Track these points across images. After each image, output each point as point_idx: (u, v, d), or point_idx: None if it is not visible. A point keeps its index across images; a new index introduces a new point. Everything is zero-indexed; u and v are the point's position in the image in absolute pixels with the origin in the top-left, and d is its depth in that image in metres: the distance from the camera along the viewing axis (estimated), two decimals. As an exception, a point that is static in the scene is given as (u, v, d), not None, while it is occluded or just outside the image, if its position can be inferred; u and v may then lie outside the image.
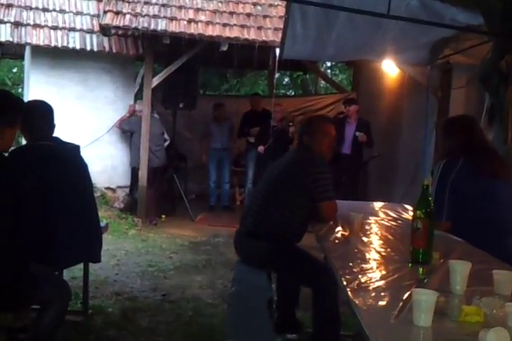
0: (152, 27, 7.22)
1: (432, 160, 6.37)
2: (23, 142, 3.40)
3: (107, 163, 8.03)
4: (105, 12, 7.29)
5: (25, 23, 7.50)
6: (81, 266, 3.85)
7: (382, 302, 1.93)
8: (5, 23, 7.43)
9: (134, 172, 7.92)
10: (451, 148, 3.21)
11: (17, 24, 7.47)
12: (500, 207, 3.07)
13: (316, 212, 3.30)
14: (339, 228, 3.18)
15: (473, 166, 3.08)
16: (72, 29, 7.66)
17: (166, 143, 8.18)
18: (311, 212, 3.32)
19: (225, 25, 7.61)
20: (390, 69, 7.81)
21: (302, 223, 3.37)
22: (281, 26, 6.26)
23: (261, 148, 8.13)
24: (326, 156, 3.44)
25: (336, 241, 2.93)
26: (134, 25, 7.20)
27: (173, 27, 7.32)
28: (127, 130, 7.89)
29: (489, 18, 4.06)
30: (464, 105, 6.31)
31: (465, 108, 6.22)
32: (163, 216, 7.93)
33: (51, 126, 3.27)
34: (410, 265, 2.43)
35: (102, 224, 3.93)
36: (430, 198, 2.45)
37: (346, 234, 3.07)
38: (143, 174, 7.69)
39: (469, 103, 6.16)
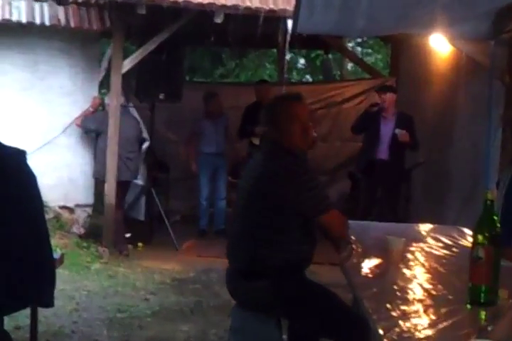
0: (122, -8, 7.26)
1: (498, 168, 6.35)
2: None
3: (62, 174, 8.04)
4: (60, -27, 7.35)
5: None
6: (27, 311, 3.84)
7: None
8: None
9: (99, 186, 7.92)
10: None
11: None
12: None
13: (320, 229, 3.32)
14: (373, 258, 3.17)
15: None
16: (16, -4, 7.73)
17: (145, 145, 8.20)
18: (311, 226, 3.32)
19: (219, -12, 7.65)
20: (440, 46, 7.82)
21: (303, 242, 3.35)
22: (295, -10, 6.28)
23: None
24: (301, 148, 3.40)
25: (369, 275, 2.93)
26: (98, -9, 7.26)
27: (151, -8, 7.36)
28: (92, 129, 7.92)
29: None
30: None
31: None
32: (139, 244, 7.94)
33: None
34: (469, 307, 2.43)
35: (56, 255, 3.93)
36: (496, 218, 2.45)
37: (383, 265, 3.06)
38: (110, 189, 7.71)
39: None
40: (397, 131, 7.52)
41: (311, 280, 3.42)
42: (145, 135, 8.21)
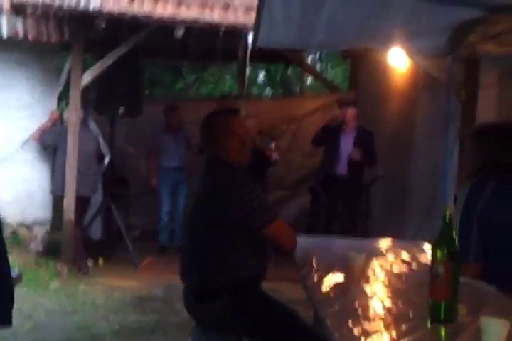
0: (82, 5, 7.21)
1: (456, 182, 6.42)
2: None
3: (19, 189, 7.95)
4: (18, -14, 7.28)
5: None
6: (-17, 331, 3.77)
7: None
8: None
9: (57, 202, 7.83)
10: (479, 167, 3.24)
11: None
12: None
13: (268, 243, 3.29)
14: (334, 274, 3.17)
15: (509, 191, 3.10)
16: (-28, 8, 7.64)
17: (106, 161, 8.14)
18: (259, 239, 3.29)
19: (179, 3, 7.64)
20: (398, 61, 7.90)
21: (252, 256, 3.32)
22: (255, 5, 6.30)
23: None
24: (241, 161, 3.40)
25: (330, 292, 2.92)
26: (57, 3, 7.19)
27: (111, 5, 7.32)
28: (49, 144, 7.83)
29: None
30: (496, 108, 6.40)
31: (497, 112, 6.30)
32: (99, 261, 7.86)
33: None
34: (429, 324, 2.43)
35: (13, 273, 3.87)
36: (454, 234, 2.46)
37: (344, 282, 3.05)
38: (69, 204, 7.62)
39: (503, 105, 6.24)
40: (352, 149, 7.58)
41: (269, 297, 3.41)
42: (104, 150, 8.15)
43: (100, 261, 7.88)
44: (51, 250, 7.90)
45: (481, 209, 3.08)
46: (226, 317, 3.24)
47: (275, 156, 8.05)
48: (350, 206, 7.88)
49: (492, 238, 3.07)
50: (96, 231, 8.24)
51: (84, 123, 7.87)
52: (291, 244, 3.30)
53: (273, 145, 8.01)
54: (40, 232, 8.10)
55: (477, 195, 3.13)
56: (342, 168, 7.71)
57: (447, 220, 2.47)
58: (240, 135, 3.37)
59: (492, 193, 3.11)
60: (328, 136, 7.87)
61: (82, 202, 7.72)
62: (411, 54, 7.00)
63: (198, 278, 3.33)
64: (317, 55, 16.10)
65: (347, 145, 7.73)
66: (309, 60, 15.07)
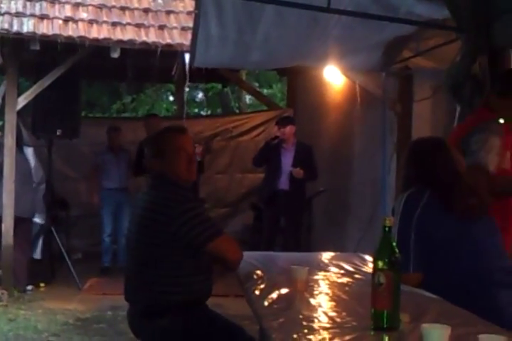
0: (15, 28, 7.14)
1: (394, 194, 6.52)
2: None
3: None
4: (-51, 9, 7.19)
5: None
6: None
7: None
8: None
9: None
10: (408, 180, 3.32)
11: None
12: (483, 254, 3.16)
13: (214, 259, 3.30)
14: (278, 288, 3.18)
15: (442, 202, 3.17)
16: None
17: (41, 187, 8.05)
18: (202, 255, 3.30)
19: (114, 24, 7.63)
20: (334, 78, 8.02)
21: (196, 273, 3.32)
22: (191, 25, 6.35)
23: None
24: (186, 179, 3.41)
25: (275, 305, 2.92)
26: (-11, 27, 7.11)
27: (44, 28, 7.27)
28: None
29: (456, 10, 4.26)
30: (430, 121, 6.55)
31: (431, 125, 6.44)
32: (40, 284, 7.73)
33: None
34: (372, 333, 2.45)
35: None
36: (394, 243, 2.50)
37: (288, 295, 3.07)
38: (7, 227, 7.48)
39: (436, 118, 6.39)
40: (292, 169, 7.66)
41: (216, 314, 3.41)
42: (38, 176, 8.06)
43: (41, 284, 7.74)
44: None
45: (417, 218, 3.15)
46: (171, 336, 3.23)
47: (199, 157, 8.10)
48: (293, 220, 7.93)
49: (429, 247, 3.13)
50: (37, 251, 8.11)
51: (17, 146, 7.76)
52: (238, 258, 3.32)
53: (200, 149, 8.05)
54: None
55: (413, 204, 3.19)
56: (284, 184, 7.78)
57: (387, 230, 2.52)
58: (187, 152, 3.38)
59: (427, 201, 3.18)
60: (269, 155, 7.92)
61: (21, 224, 7.59)
62: (345, 71, 7.13)
63: (145, 296, 3.31)
64: (255, 73, 16.22)
65: (288, 161, 7.80)
66: (246, 78, 15.17)
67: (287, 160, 7.83)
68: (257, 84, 16.96)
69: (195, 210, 3.25)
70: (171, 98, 16.76)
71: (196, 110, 17.93)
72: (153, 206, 3.31)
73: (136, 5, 8.07)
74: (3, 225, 7.48)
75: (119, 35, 7.48)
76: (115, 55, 7.46)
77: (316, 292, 3.14)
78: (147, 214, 3.31)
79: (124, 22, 7.70)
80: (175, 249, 3.23)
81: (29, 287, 7.61)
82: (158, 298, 3.27)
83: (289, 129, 7.92)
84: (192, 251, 3.24)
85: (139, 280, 3.33)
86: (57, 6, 7.65)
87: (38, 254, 8.23)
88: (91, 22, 7.57)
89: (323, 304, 2.92)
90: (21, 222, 7.61)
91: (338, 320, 2.64)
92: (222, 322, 3.37)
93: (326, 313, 2.74)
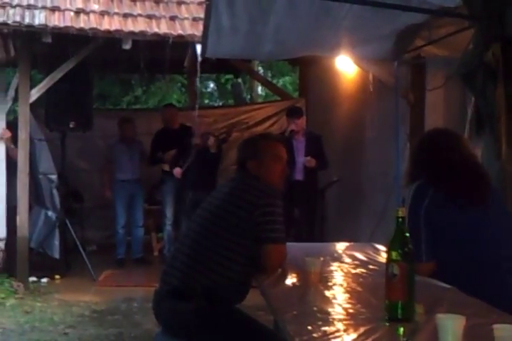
0: (27, 21, 7.16)
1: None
2: None
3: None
4: (-40, 2, 7.21)
5: None
6: None
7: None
8: None
9: (12, 215, 7.72)
10: (412, 172, 3.33)
11: None
12: (495, 241, 3.15)
13: (259, 257, 3.30)
14: (292, 279, 3.18)
15: (447, 192, 3.16)
16: None
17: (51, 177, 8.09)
18: (255, 260, 3.31)
19: (126, 15, 7.64)
20: (346, 67, 7.98)
21: (244, 275, 3.35)
22: (202, 15, 6.32)
23: (177, 171, 8.20)
24: (277, 186, 3.50)
25: (288, 297, 2.93)
26: (2, 20, 7.12)
27: (56, 20, 7.28)
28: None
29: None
30: (443, 110, 6.50)
31: (444, 113, 6.40)
32: (56, 276, 7.76)
33: None
34: (387, 324, 2.45)
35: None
36: (407, 234, 2.49)
37: (302, 286, 3.07)
38: (22, 219, 7.53)
39: (450, 107, 6.34)
40: (304, 158, 7.68)
41: (236, 307, 3.40)
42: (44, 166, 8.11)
43: (57, 276, 7.79)
44: (6, 267, 7.81)
45: (425, 208, 3.14)
46: (192, 321, 3.23)
47: (212, 149, 8.24)
48: (307, 211, 7.94)
49: (440, 236, 3.13)
50: (55, 248, 8.07)
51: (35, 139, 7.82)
52: (275, 271, 3.34)
53: (212, 140, 8.14)
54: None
55: (422, 194, 3.18)
56: (299, 174, 7.79)
57: (400, 221, 2.51)
58: (282, 162, 3.56)
59: (435, 192, 3.17)
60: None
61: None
62: (358, 60, 7.09)
63: (187, 275, 3.31)
64: (267, 64, 16.17)
65: (300, 152, 7.81)
66: (259, 68, 15.15)
67: (299, 150, 7.83)
68: (270, 75, 16.91)
69: (278, 209, 3.32)
70: (182, 89, 16.72)
71: (207, 101, 17.89)
72: (241, 193, 3.37)
73: (147, -5, 8.06)
74: (18, 217, 7.53)
75: (130, 26, 7.48)
76: (127, 46, 7.46)
77: (330, 283, 3.14)
78: (229, 199, 3.37)
79: (135, 13, 7.70)
80: (241, 237, 3.27)
81: (44, 279, 7.67)
82: (197, 282, 3.27)
83: (301, 121, 7.94)
84: (254, 246, 3.27)
85: (189, 261, 3.34)
86: (68, -2, 7.65)
87: (56, 253, 8.07)
88: (102, 14, 7.58)
89: (337, 296, 2.92)
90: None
91: (353, 311, 2.64)
92: (247, 318, 3.37)
93: (340, 305, 2.74)
